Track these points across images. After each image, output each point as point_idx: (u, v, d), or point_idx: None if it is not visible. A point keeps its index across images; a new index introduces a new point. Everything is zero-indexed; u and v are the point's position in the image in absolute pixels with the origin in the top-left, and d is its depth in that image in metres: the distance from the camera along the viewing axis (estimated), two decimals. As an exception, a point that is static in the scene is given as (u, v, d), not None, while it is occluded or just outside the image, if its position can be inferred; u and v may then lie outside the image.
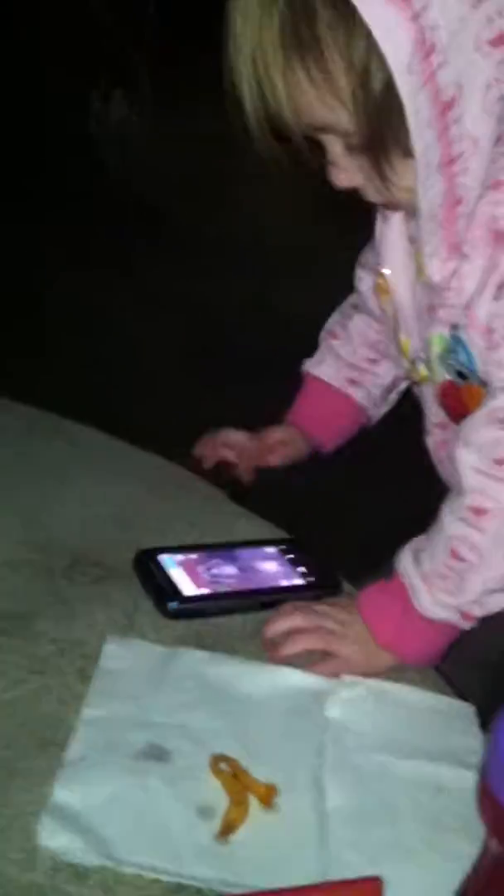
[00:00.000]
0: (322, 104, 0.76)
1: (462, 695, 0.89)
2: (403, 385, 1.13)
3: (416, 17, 0.69)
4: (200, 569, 0.97)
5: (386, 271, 0.95)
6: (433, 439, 0.99)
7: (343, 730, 0.81)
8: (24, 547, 0.98)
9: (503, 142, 0.76)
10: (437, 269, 0.84)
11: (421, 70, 0.70)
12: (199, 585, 0.94)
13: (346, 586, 0.98)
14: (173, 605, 0.92)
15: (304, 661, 0.88)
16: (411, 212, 0.87)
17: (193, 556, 0.98)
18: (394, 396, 1.14)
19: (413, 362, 0.96)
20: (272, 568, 0.99)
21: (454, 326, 0.87)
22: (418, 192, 0.77)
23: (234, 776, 0.74)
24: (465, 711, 0.86)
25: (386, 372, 1.11)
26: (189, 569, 0.96)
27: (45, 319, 2.74)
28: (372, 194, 0.84)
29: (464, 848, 0.65)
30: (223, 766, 0.75)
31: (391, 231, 0.93)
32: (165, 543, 1.01)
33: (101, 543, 1.01)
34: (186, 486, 1.13)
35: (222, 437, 1.17)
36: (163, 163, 3.44)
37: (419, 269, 0.91)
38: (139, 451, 1.17)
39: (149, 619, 0.91)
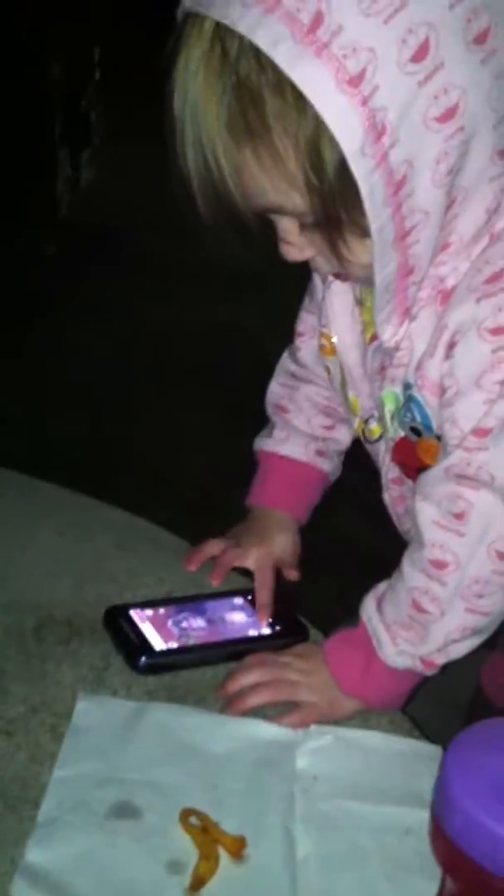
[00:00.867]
0: (273, 188, 0.75)
1: (431, 737, 0.90)
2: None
3: (365, 101, 0.69)
4: (169, 623, 0.98)
5: (333, 336, 0.96)
6: (389, 494, 1.00)
7: (311, 779, 0.82)
8: (-7, 608, 1.00)
9: (451, 208, 0.78)
10: (390, 335, 0.85)
11: (373, 152, 0.70)
12: (168, 640, 0.96)
13: (313, 633, 1.00)
14: (143, 660, 0.93)
15: (271, 713, 0.89)
16: (360, 283, 0.88)
17: (162, 610, 1.00)
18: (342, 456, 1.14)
19: (366, 420, 0.97)
20: (240, 618, 1.00)
21: (407, 385, 0.88)
22: (374, 269, 0.78)
23: (203, 830, 0.76)
24: (432, 753, 0.87)
25: (342, 436, 1.09)
26: (158, 623, 0.98)
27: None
28: (322, 266, 0.85)
29: (431, 888, 0.66)
30: (193, 820, 0.76)
31: (335, 294, 0.94)
32: (135, 599, 1.02)
33: (69, 601, 1.02)
34: (154, 539, 1.15)
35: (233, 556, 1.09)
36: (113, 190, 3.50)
37: (366, 329, 0.93)
38: (104, 506, 1.18)
39: (119, 676, 0.93)
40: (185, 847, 0.74)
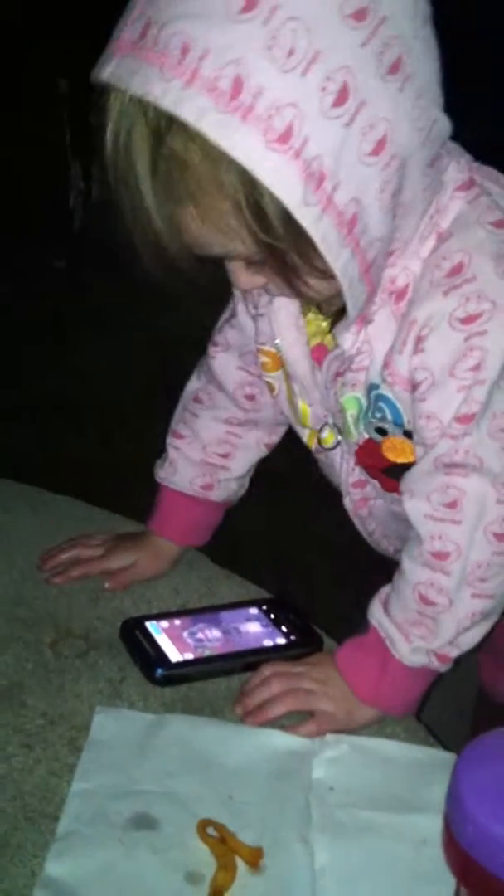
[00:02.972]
0: (217, 243, 0.77)
1: (446, 744, 0.91)
2: (255, 463, 1.13)
3: (297, 154, 0.70)
4: (185, 634, 0.99)
5: (277, 343, 0.96)
6: (351, 499, 1.01)
7: (328, 789, 0.83)
8: (10, 623, 1.01)
9: (393, 222, 0.79)
10: (350, 343, 0.87)
11: (317, 200, 0.71)
12: (184, 651, 0.96)
13: (328, 642, 1.00)
14: (160, 672, 0.94)
15: (287, 723, 0.90)
16: (312, 303, 0.89)
17: (177, 621, 1.01)
18: (249, 476, 1.15)
19: (320, 429, 0.98)
20: (255, 629, 1.01)
21: (372, 386, 0.89)
22: (346, 302, 0.79)
23: (221, 840, 0.76)
24: (448, 761, 0.87)
25: (238, 464, 1.11)
26: (174, 635, 0.98)
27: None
28: (274, 291, 0.86)
29: (446, 899, 0.66)
30: (210, 830, 0.77)
31: (279, 308, 0.95)
32: (150, 611, 1.03)
33: (86, 615, 1.03)
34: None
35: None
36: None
37: (310, 339, 0.94)
38: (118, 519, 1.19)
39: (136, 688, 0.93)
40: (204, 858, 0.75)
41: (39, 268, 3.40)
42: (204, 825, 0.77)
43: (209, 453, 1.10)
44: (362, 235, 0.75)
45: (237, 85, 0.68)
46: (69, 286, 3.34)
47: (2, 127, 3.68)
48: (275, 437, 1.12)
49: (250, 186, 0.71)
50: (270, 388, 1.02)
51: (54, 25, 3.37)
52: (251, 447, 1.11)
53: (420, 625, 0.89)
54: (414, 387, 0.85)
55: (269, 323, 0.97)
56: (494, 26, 2.94)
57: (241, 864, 0.75)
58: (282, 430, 1.12)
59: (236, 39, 0.68)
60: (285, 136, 0.69)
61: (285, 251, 0.75)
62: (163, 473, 1.12)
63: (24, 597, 1.05)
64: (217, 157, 0.70)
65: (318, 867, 0.76)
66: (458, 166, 0.85)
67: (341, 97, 0.70)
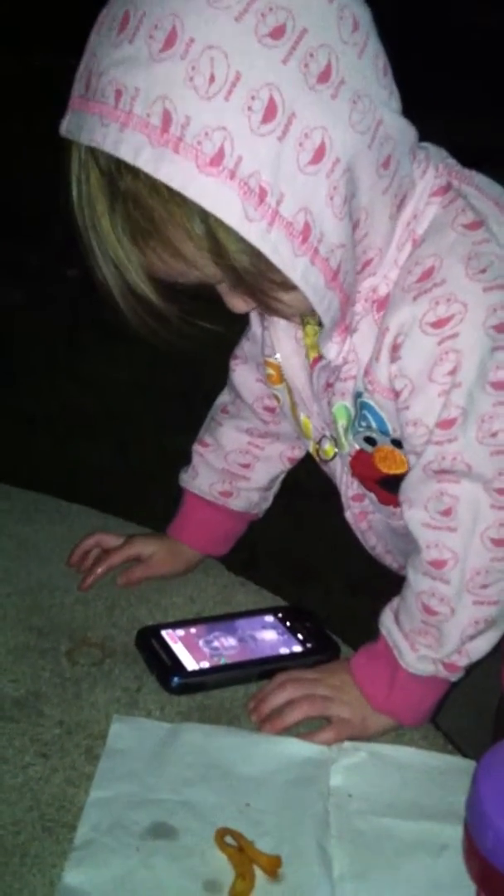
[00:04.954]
0: (185, 272, 0.80)
1: (464, 750, 0.91)
2: (282, 475, 1.15)
3: (232, 174, 0.72)
4: (201, 642, 0.99)
5: (277, 357, 0.98)
6: (352, 512, 1.02)
7: (346, 797, 0.83)
8: (27, 633, 1.01)
9: (358, 229, 0.80)
10: (335, 353, 0.88)
11: (261, 215, 0.73)
12: (200, 659, 0.96)
13: (345, 649, 1.00)
14: (176, 680, 0.94)
15: (303, 730, 0.90)
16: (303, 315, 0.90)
17: (193, 629, 1.00)
18: (276, 488, 1.16)
19: (319, 441, 0.99)
20: (271, 636, 1.01)
21: (358, 395, 0.90)
22: (319, 313, 0.81)
23: (239, 849, 0.76)
24: (467, 767, 0.87)
25: (259, 475, 1.12)
26: (190, 643, 0.98)
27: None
28: (264, 310, 0.88)
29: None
30: (228, 839, 0.77)
31: (278, 322, 0.96)
32: (166, 619, 1.03)
33: (102, 623, 1.03)
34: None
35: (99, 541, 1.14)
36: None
37: (309, 351, 0.95)
38: (134, 528, 1.19)
39: (153, 697, 0.93)
40: (222, 867, 0.75)
41: (52, 276, 3.41)
42: (222, 834, 0.77)
43: (230, 462, 1.11)
44: (320, 243, 0.76)
45: (166, 118, 0.72)
46: (82, 295, 3.34)
47: (13, 134, 3.70)
48: (298, 452, 1.12)
49: (196, 212, 0.74)
50: (277, 400, 1.03)
51: (66, 31, 3.38)
52: (272, 459, 1.12)
53: (426, 634, 0.89)
54: (396, 395, 0.86)
55: (272, 338, 0.98)
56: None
57: (259, 873, 0.75)
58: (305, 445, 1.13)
59: (160, 76, 0.72)
60: (217, 159, 0.72)
61: (246, 270, 0.77)
62: (185, 477, 1.14)
63: (40, 606, 1.05)
64: (160, 190, 0.74)
65: (336, 875, 0.76)
66: (436, 171, 0.86)
67: (269, 113, 0.72)
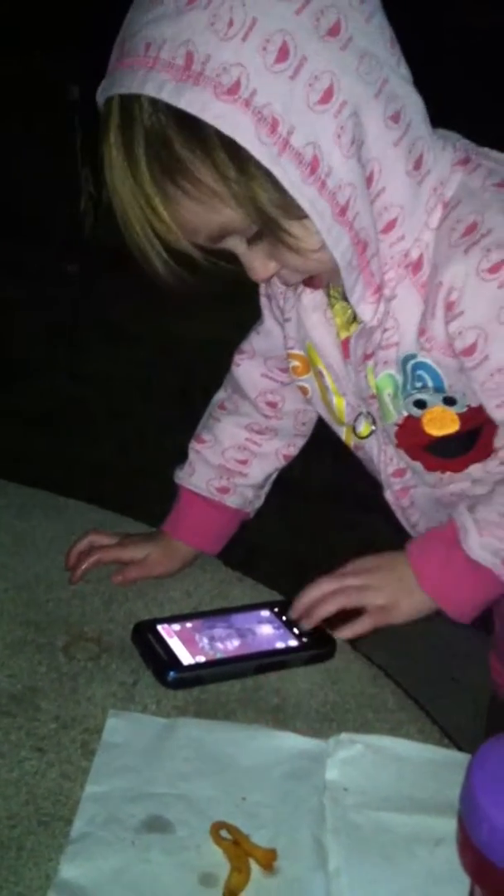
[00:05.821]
0: (209, 212, 0.82)
1: (459, 744, 0.90)
2: (276, 473, 1.16)
3: (247, 102, 0.77)
4: (197, 637, 0.99)
5: (296, 350, 1.00)
6: (392, 490, 1.03)
7: (341, 790, 0.83)
8: (24, 627, 1.01)
9: (373, 182, 0.84)
10: (368, 313, 0.90)
11: (272, 141, 0.78)
12: (196, 654, 0.96)
13: (340, 644, 1.00)
14: (172, 675, 0.94)
15: (301, 725, 0.90)
16: (327, 279, 0.92)
17: (189, 624, 1.00)
18: (268, 488, 1.17)
19: (355, 421, 1.00)
20: (267, 631, 1.01)
21: (407, 358, 0.91)
22: (329, 249, 0.83)
23: (234, 843, 0.76)
24: (462, 761, 0.86)
25: (255, 471, 1.14)
26: (186, 638, 0.98)
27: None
28: (290, 276, 0.90)
29: (460, 900, 0.66)
30: (224, 833, 0.77)
31: (307, 309, 0.98)
32: (163, 614, 1.03)
33: (98, 618, 1.03)
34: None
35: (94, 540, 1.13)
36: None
37: (340, 331, 0.96)
38: (130, 522, 1.19)
39: (149, 691, 0.93)
40: (217, 860, 0.75)
41: (52, 273, 3.41)
42: (217, 827, 0.77)
43: (228, 458, 1.12)
44: (328, 177, 0.80)
45: (189, 59, 0.77)
46: (82, 291, 3.35)
47: (13, 133, 3.70)
48: (293, 449, 1.14)
49: (213, 140, 0.78)
50: (304, 391, 1.04)
51: (65, 32, 3.38)
52: (269, 456, 1.14)
53: (499, 525, 0.91)
54: (462, 353, 0.88)
55: (297, 327, 1.00)
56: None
57: (254, 866, 0.75)
58: (301, 443, 1.15)
59: (185, 26, 0.78)
60: (233, 89, 0.77)
61: (263, 203, 0.80)
62: (181, 474, 1.14)
63: (36, 601, 1.05)
64: (182, 122, 0.78)
65: (332, 868, 0.76)
66: (454, 148, 0.90)
67: (282, 55, 0.78)
